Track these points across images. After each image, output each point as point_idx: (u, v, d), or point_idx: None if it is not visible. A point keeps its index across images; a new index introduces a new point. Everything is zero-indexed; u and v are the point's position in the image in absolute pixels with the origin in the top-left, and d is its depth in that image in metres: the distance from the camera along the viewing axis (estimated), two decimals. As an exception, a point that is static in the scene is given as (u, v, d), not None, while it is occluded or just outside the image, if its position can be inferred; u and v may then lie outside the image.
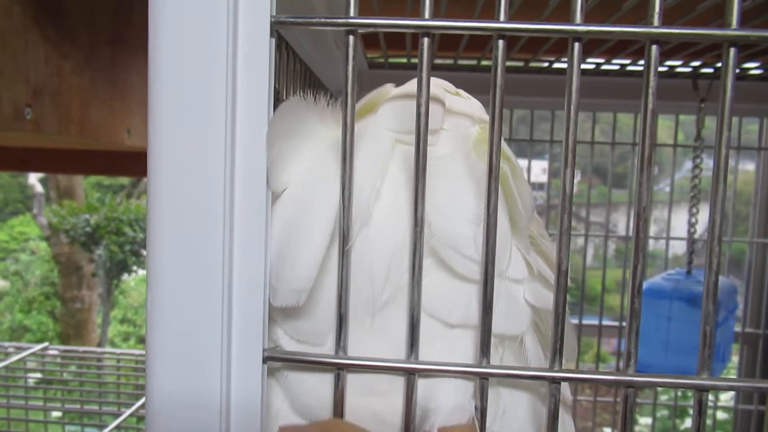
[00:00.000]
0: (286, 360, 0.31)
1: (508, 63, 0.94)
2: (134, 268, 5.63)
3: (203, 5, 0.28)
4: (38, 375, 1.14)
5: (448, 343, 0.32)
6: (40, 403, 1.02)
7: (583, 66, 0.93)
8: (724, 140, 0.29)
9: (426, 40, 0.29)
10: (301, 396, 0.32)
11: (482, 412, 0.30)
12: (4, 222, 7.19)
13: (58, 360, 1.09)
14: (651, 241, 1.23)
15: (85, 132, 0.77)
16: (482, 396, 0.30)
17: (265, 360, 0.30)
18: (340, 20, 0.29)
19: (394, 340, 0.31)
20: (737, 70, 0.80)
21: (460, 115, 0.36)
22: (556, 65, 0.91)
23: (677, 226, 1.08)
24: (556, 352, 0.30)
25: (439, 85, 0.36)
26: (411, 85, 0.35)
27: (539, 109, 1.02)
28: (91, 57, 0.78)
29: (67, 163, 1.00)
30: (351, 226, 0.30)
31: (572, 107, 0.29)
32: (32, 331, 6.07)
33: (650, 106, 0.29)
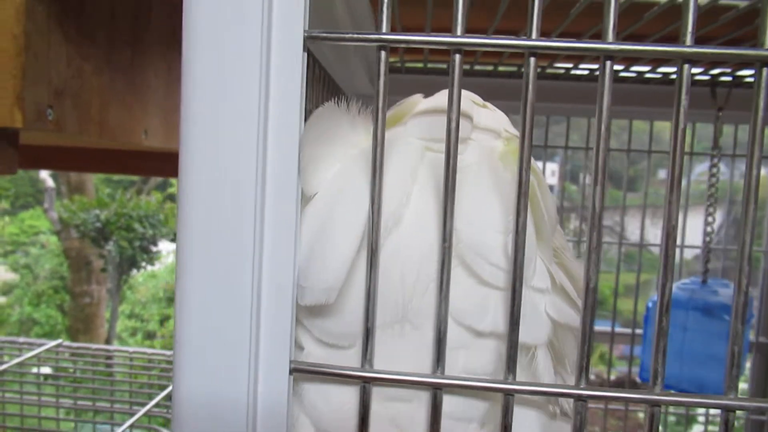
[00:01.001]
0: (313, 372, 0.31)
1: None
2: (143, 263, 5.66)
3: (237, 19, 0.28)
4: (50, 371, 1.15)
5: (475, 352, 0.33)
6: (53, 399, 1.03)
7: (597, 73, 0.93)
8: (756, 160, 0.29)
9: (458, 56, 0.29)
10: (321, 406, 0.32)
11: (506, 429, 0.30)
12: (15, 215, 7.25)
13: (67, 356, 1.10)
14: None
15: (104, 132, 0.78)
16: (507, 413, 0.30)
17: (291, 371, 0.30)
18: (372, 36, 0.29)
19: (422, 344, 0.32)
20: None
21: (486, 128, 0.36)
22: (574, 72, 0.91)
23: (690, 230, 1.07)
24: (583, 369, 0.30)
25: (467, 98, 0.36)
26: (440, 97, 0.35)
27: (555, 114, 1.02)
28: (110, 58, 0.79)
29: (83, 161, 1.00)
30: (380, 234, 0.30)
31: (603, 124, 0.29)
32: (41, 324, 6.12)
33: (681, 125, 0.29)
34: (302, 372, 0.31)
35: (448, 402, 0.32)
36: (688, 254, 1.15)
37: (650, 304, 0.88)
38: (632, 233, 1.19)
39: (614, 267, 1.12)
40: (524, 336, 0.32)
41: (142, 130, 0.88)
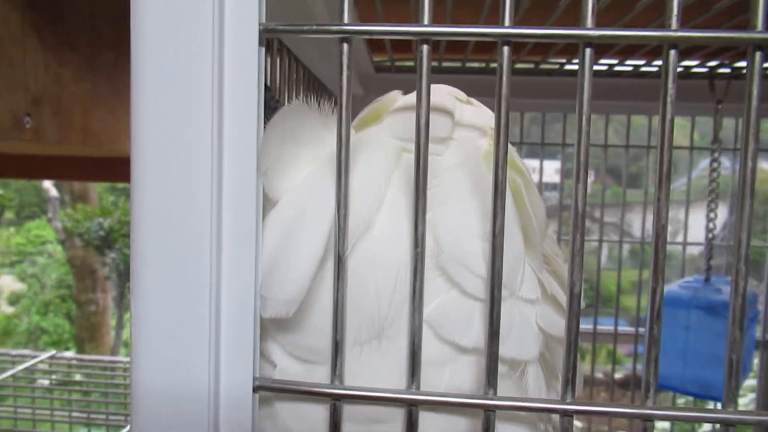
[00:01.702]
0: (279, 390, 0.29)
1: (519, 65, 0.91)
2: (147, 270, 5.65)
3: (186, 14, 0.26)
4: (46, 383, 1.13)
5: (460, 369, 0.30)
6: (47, 412, 1.01)
7: (595, 67, 0.90)
8: (751, 151, 0.27)
9: (425, 47, 0.27)
10: (295, 426, 0.30)
11: (487, 446, 0.28)
12: (21, 225, 7.27)
13: (65, 368, 1.09)
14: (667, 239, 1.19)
15: (87, 139, 0.76)
16: (488, 430, 0.28)
17: (255, 389, 0.28)
18: (333, 27, 0.27)
19: (403, 361, 0.29)
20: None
21: (471, 125, 0.34)
22: (568, 67, 0.88)
23: (693, 226, 1.05)
24: (568, 383, 0.27)
25: (449, 94, 0.34)
26: (414, 95, 0.33)
27: (551, 111, 1.00)
28: (92, 63, 0.77)
29: (70, 169, 0.99)
30: (347, 242, 0.28)
31: (584, 117, 0.27)
32: (49, 333, 6.13)
33: (668, 115, 0.26)
34: (267, 390, 0.28)
35: (432, 422, 0.30)
36: (695, 250, 1.12)
37: (652, 304, 0.85)
38: (637, 229, 1.16)
39: (619, 264, 1.10)
40: (514, 351, 0.30)
41: (128, 136, 0.86)
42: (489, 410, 0.28)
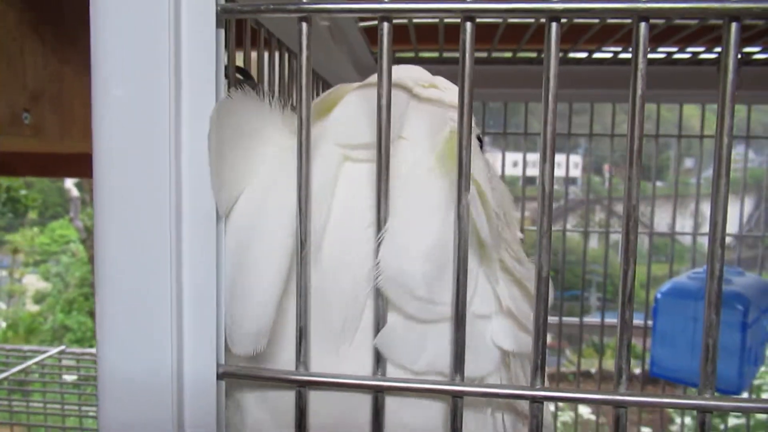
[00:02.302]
0: (243, 376, 0.28)
1: (523, 54, 0.90)
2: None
3: (142, -5, 0.26)
4: (57, 384, 1.15)
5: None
6: (58, 405, 1.03)
7: (601, 55, 0.88)
8: (726, 128, 0.26)
9: (386, 24, 0.26)
10: (256, 413, 0.30)
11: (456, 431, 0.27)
12: (44, 225, 7.41)
13: (76, 362, 1.10)
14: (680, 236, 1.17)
15: (88, 135, 0.77)
16: (455, 417, 0.27)
17: (220, 376, 0.28)
18: (291, 6, 0.26)
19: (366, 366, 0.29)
20: (740, 55, 0.74)
21: (431, 113, 0.31)
22: (597, 55, 0.86)
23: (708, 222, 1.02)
24: (537, 369, 0.27)
25: (408, 78, 0.32)
26: (371, 81, 0.31)
27: (578, 101, 0.97)
28: (93, 60, 0.78)
29: (72, 167, 1.00)
30: (309, 228, 0.28)
31: (550, 95, 0.26)
32: (73, 330, 6.24)
33: (639, 91, 0.25)
34: (232, 376, 0.28)
35: (400, 411, 0.29)
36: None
37: (659, 296, 0.83)
38: (657, 224, 1.14)
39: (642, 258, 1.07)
40: (469, 368, 0.28)
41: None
42: (457, 396, 0.27)
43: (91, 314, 6.16)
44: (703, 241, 1.06)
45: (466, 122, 0.26)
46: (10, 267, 6.71)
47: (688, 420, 1.49)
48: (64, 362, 1.08)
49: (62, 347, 1.09)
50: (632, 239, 0.26)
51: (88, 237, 5.23)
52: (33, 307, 6.78)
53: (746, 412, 0.27)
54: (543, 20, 0.26)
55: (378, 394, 0.28)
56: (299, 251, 0.27)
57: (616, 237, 1.14)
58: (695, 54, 0.83)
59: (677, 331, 0.80)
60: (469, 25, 0.26)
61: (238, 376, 0.28)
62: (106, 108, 0.27)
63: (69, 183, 6.00)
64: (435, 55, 0.90)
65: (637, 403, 0.26)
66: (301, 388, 0.28)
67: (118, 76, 0.26)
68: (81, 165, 0.97)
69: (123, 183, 0.27)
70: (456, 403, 0.27)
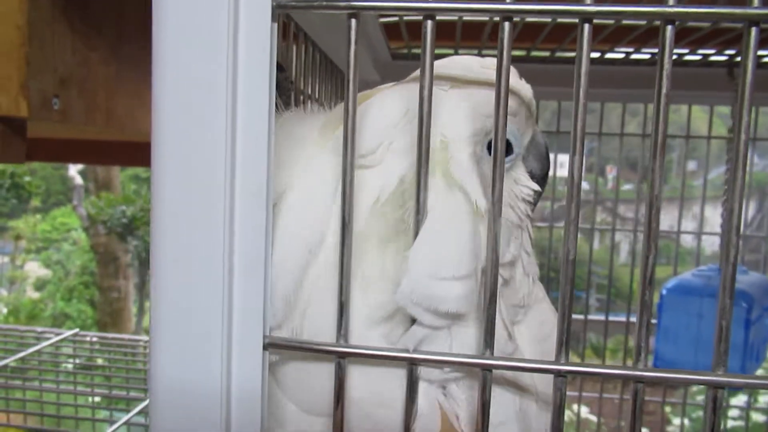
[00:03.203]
0: (288, 347, 0.30)
1: (537, 53, 0.92)
2: (169, 258, 5.74)
3: (204, -11, 0.28)
4: (70, 361, 1.17)
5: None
6: (71, 387, 1.05)
7: (613, 55, 0.90)
8: (744, 126, 0.28)
9: (429, 22, 0.28)
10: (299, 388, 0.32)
11: (485, 405, 0.29)
12: (46, 213, 7.43)
13: (87, 346, 1.12)
14: (684, 238, 1.19)
15: (111, 122, 0.78)
16: (485, 388, 0.29)
17: (266, 347, 0.30)
18: (341, 3, 0.28)
19: None
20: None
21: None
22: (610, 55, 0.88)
23: (714, 224, 1.04)
24: (562, 345, 0.29)
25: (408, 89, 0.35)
26: (381, 88, 0.35)
27: (610, 101, 0.99)
28: (118, 48, 0.80)
29: (94, 153, 1.02)
30: (351, 202, 0.30)
31: (581, 92, 0.28)
32: (72, 318, 6.26)
33: (664, 90, 0.27)
34: (277, 347, 0.30)
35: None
36: (717, 248, 1.11)
37: (664, 291, 0.85)
38: (661, 226, 1.15)
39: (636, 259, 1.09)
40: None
41: (151, 120, 0.89)
42: (486, 369, 0.29)
43: (91, 302, 6.18)
44: (705, 243, 1.08)
45: (502, 121, 0.28)
46: (12, 253, 6.72)
47: (685, 421, 1.51)
48: (77, 345, 1.10)
49: (76, 330, 1.12)
50: (654, 226, 0.28)
51: (90, 225, 5.25)
52: (34, 294, 6.81)
53: (756, 388, 0.29)
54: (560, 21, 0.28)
55: (413, 367, 0.30)
56: (342, 232, 0.29)
57: (618, 237, 1.15)
58: (706, 56, 0.85)
59: (681, 326, 0.82)
60: (507, 25, 0.28)
61: (283, 347, 0.30)
62: (166, 97, 0.29)
63: (72, 171, 6.00)
64: (450, 52, 0.92)
65: (656, 379, 0.28)
66: (341, 359, 0.30)
67: (180, 62, 0.28)
68: (105, 152, 0.99)
69: (179, 172, 0.29)
70: (485, 376, 0.29)
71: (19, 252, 6.84)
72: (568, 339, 0.29)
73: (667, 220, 1.22)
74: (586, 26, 0.28)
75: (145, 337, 1.15)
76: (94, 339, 1.13)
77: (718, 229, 0.97)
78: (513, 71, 0.35)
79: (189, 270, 0.29)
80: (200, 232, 0.29)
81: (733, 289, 0.28)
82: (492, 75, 0.35)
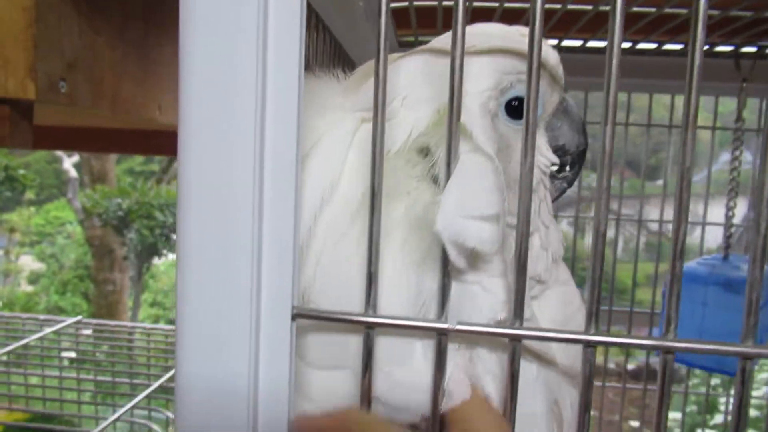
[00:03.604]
0: (315, 317, 0.30)
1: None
2: (164, 251, 5.73)
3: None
4: (72, 352, 1.16)
5: None
6: (74, 374, 1.04)
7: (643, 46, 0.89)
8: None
9: (462, -9, 0.28)
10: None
11: (514, 374, 0.29)
12: (40, 206, 7.39)
13: (91, 334, 1.12)
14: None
15: (117, 107, 0.78)
16: (514, 358, 0.29)
17: (294, 317, 0.30)
18: (374, -29, 0.28)
19: None
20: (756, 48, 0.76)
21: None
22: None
23: (713, 219, 1.04)
24: (592, 316, 0.29)
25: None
26: (407, 53, 0.36)
27: (636, 91, 0.99)
28: (123, 32, 0.79)
29: (103, 141, 1.01)
30: (381, 172, 0.30)
31: (614, 53, 0.28)
32: (67, 312, 6.24)
33: (697, 61, 0.27)
34: (305, 317, 0.30)
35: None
36: (713, 243, 1.12)
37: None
38: (653, 223, 1.16)
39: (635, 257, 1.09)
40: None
41: (156, 106, 0.88)
42: (515, 339, 0.29)
43: (86, 296, 6.16)
44: (706, 236, 1.08)
45: (532, 98, 0.28)
46: (6, 246, 6.69)
47: (678, 414, 1.52)
48: (82, 332, 1.09)
49: (79, 317, 1.11)
50: (685, 197, 0.28)
51: (86, 218, 5.22)
52: (27, 288, 6.78)
53: None
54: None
55: (441, 337, 0.30)
56: (372, 202, 0.29)
57: (610, 234, 1.15)
58: (713, 45, 0.85)
59: (686, 314, 0.83)
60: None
61: (312, 316, 0.30)
62: (194, 73, 0.28)
63: (67, 164, 5.97)
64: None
65: (686, 349, 0.28)
66: (370, 329, 0.30)
67: (208, 35, 0.28)
68: (108, 139, 0.98)
69: (206, 148, 0.29)
70: (515, 346, 0.29)
71: (13, 245, 6.80)
72: (597, 310, 0.29)
73: (667, 216, 1.22)
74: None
75: (147, 325, 1.14)
76: (95, 327, 1.13)
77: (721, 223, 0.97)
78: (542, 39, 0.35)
79: (216, 240, 0.29)
80: (228, 202, 0.29)
81: (764, 262, 0.28)
82: (516, 39, 0.35)
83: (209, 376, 0.29)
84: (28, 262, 6.99)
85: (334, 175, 0.34)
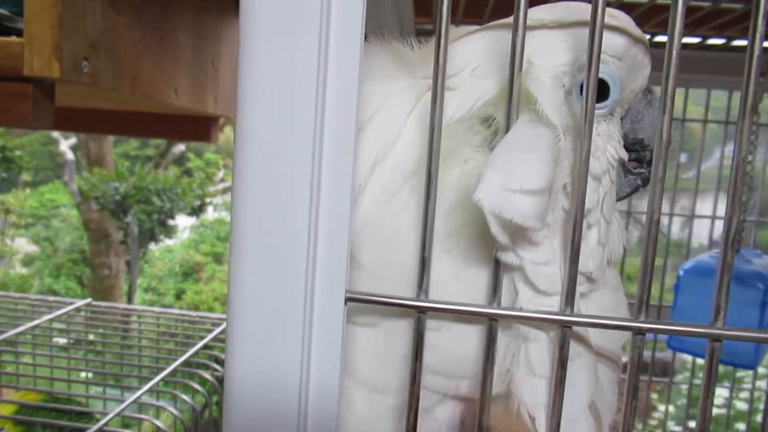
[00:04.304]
0: (368, 301, 0.30)
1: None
2: (161, 237, 5.72)
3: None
4: (74, 335, 1.16)
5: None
6: (82, 363, 1.04)
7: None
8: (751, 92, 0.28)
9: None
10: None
11: (563, 360, 0.30)
12: (35, 188, 7.34)
13: (97, 317, 1.12)
14: (676, 230, 1.20)
15: (136, 89, 0.78)
16: (564, 344, 0.30)
17: (346, 301, 0.30)
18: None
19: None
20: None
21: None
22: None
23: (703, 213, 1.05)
24: (642, 303, 0.29)
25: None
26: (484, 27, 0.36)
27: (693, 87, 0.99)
28: (141, 13, 0.78)
29: (116, 123, 1.01)
30: (436, 163, 0.30)
31: (675, 40, 0.28)
32: (60, 295, 6.22)
33: (756, 51, 0.28)
34: (357, 301, 0.30)
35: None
36: (704, 239, 1.13)
37: (681, 273, 0.87)
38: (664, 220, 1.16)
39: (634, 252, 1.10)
40: None
41: (172, 89, 0.88)
42: (566, 326, 0.29)
43: (80, 280, 6.15)
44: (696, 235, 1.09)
45: (592, 82, 0.28)
46: (2, 228, 6.65)
47: (670, 408, 1.54)
48: (91, 315, 1.09)
49: (89, 300, 1.11)
50: (739, 188, 0.28)
51: (82, 201, 5.20)
52: (22, 270, 6.75)
53: (753, 341, 0.30)
54: None
55: (493, 322, 0.30)
56: (427, 186, 0.29)
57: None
58: (730, 39, 0.85)
59: (697, 307, 0.84)
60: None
61: (365, 300, 0.30)
62: (255, 53, 0.28)
63: (64, 146, 5.93)
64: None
65: (733, 337, 0.29)
66: (421, 314, 0.30)
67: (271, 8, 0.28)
68: (125, 122, 0.98)
69: (263, 135, 0.29)
70: (565, 333, 0.30)
71: (9, 226, 6.77)
72: (648, 298, 0.29)
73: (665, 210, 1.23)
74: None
75: (157, 309, 1.14)
76: (104, 310, 1.13)
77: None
78: (627, 17, 0.35)
79: (272, 223, 0.29)
80: (285, 183, 0.29)
81: (734, 243, 0.29)
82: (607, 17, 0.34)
83: (260, 366, 0.30)
84: (23, 245, 6.96)
85: (391, 138, 0.34)
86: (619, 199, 0.37)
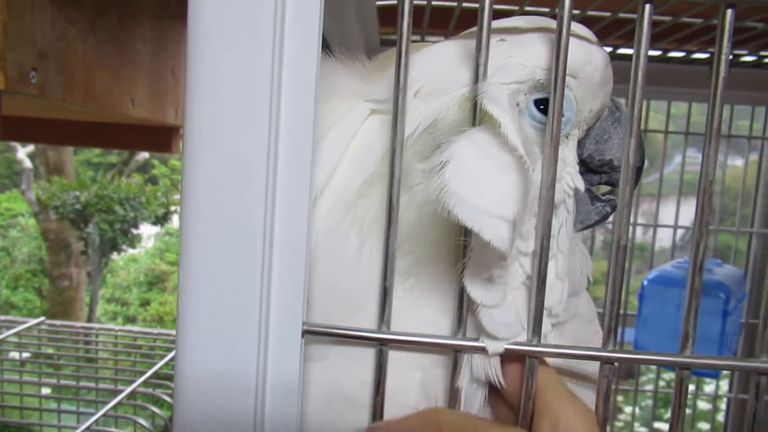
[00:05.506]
0: (326, 333, 0.29)
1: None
2: (124, 246, 5.57)
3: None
4: (29, 353, 1.11)
5: None
6: (35, 379, 1.00)
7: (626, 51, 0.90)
8: (718, 105, 0.28)
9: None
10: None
11: (527, 395, 0.29)
12: (-8, 197, 7.09)
13: (52, 336, 1.07)
14: (639, 234, 1.22)
15: (89, 99, 0.74)
16: (530, 376, 0.28)
17: (303, 334, 0.28)
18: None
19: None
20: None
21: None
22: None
23: (665, 219, 1.06)
24: (611, 332, 0.28)
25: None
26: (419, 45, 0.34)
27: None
28: (96, 22, 0.75)
29: (71, 134, 0.97)
30: (398, 188, 0.29)
31: (640, 67, 0.27)
32: (18, 308, 6.01)
33: (722, 74, 0.27)
34: (315, 334, 0.29)
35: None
36: (666, 243, 1.15)
37: (645, 282, 0.87)
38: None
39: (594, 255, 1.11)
40: None
41: (129, 99, 0.85)
42: (532, 357, 0.28)
43: (39, 291, 5.96)
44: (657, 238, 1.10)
45: (559, 96, 0.27)
46: (-44, 239, 6.41)
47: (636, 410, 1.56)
48: (43, 334, 1.04)
49: (42, 318, 1.06)
50: (706, 212, 0.28)
51: (41, 210, 5.04)
52: (-24, 282, 6.50)
53: (720, 369, 0.29)
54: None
55: (457, 354, 0.29)
56: (389, 214, 0.28)
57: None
58: (690, 52, 0.87)
59: (661, 317, 0.84)
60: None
61: (321, 333, 0.29)
62: (204, 55, 0.27)
63: (21, 153, 5.74)
64: (419, 38, 0.90)
65: (702, 365, 0.28)
66: (383, 346, 0.29)
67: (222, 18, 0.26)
68: (79, 132, 0.94)
69: (214, 142, 0.27)
70: (532, 363, 0.28)
71: (-38, 237, 6.52)
72: (616, 326, 0.28)
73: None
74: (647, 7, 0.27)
75: (116, 326, 1.10)
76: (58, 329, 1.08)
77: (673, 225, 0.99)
78: (587, 31, 0.33)
79: (224, 255, 0.27)
80: (239, 212, 0.27)
81: (702, 268, 0.28)
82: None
83: (213, 399, 0.28)
84: (-22, 255, 6.71)
85: (332, 165, 0.32)
86: (586, 228, 0.35)
